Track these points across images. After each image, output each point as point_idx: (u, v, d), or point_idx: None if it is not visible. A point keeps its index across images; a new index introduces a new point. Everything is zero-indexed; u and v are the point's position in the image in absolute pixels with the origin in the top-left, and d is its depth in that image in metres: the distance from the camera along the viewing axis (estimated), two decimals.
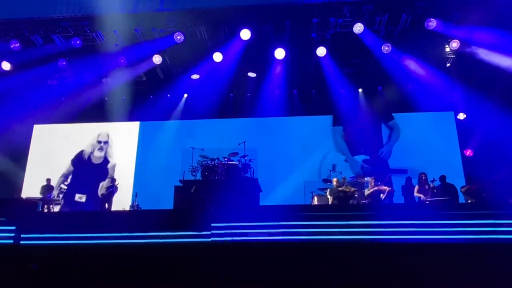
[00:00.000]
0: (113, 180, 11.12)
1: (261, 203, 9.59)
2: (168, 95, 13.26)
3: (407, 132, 12.59)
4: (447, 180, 9.13)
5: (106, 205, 10.27)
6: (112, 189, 10.50)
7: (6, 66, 11.62)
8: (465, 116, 12.24)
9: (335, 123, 12.92)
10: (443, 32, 10.32)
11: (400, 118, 12.82)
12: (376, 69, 12.06)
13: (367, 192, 9.68)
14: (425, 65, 11.67)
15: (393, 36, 10.85)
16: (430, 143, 12.22)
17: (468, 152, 12.06)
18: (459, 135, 12.23)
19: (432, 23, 10.04)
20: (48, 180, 11.11)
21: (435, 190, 8.98)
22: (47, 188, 10.87)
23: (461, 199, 9.29)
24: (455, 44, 10.67)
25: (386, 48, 10.82)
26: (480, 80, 11.29)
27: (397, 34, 10.80)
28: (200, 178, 9.76)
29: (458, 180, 9.89)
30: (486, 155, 11.23)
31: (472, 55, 10.68)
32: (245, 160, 10.01)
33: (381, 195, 9.56)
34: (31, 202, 9.97)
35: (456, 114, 12.43)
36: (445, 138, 12.26)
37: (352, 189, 9.54)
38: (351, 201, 9.30)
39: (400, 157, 12.16)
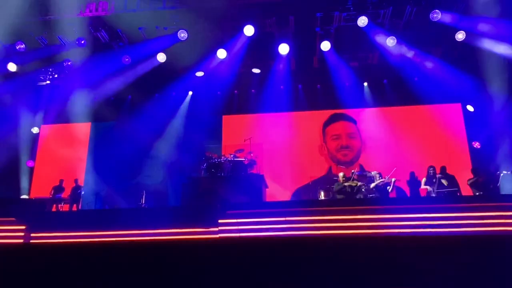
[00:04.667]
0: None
1: (267, 199, 9.62)
2: (173, 93, 13.30)
3: (414, 125, 12.52)
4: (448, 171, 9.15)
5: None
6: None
7: (12, 67, 11.70)
8: (473, 108, 12.13)
9: None
10: (448, 23, 10.21)
11: (407, 111, 12.75)
12: (382, 62, 12.02)
13: (372, 185, 9.66)
14: (431, 57, 11.63)
15: (398, 28, 10.76)
16: (437, 136, 12.19)
17: (476, 144, 11.96)
18: (467, 127, 12.15)
19: (437, 15, 9.93)
20: (61, 181, 11.19)
21: (442, 181, 8.95)
22: (58, 189, 10.97)
23: (466, 191, 9.22)
24: (461, 35, 10.54)
25: (391, 41, 10.74)
26: (487, 71, 11.16)
27: (402, 27, 10.71)
28: (207, 175, 9.80)
29: (465, 173, 9.82)
30: (494, 147, 11.13)
31: (479, 46, 10.57)
32: (251, 156, 10.03)
33: (388, 187, 9.54)
34: (41, 201, 10.10)
35: (463, 106, 12.34)
36: (453, 130, 12.19)
37: (359, 183, 9.52)
38: (358, 196, 9.28)
39: (407, 150, 12.10)
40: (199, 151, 11.24)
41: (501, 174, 8.68)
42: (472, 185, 8.86)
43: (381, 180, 9.56)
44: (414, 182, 9.72)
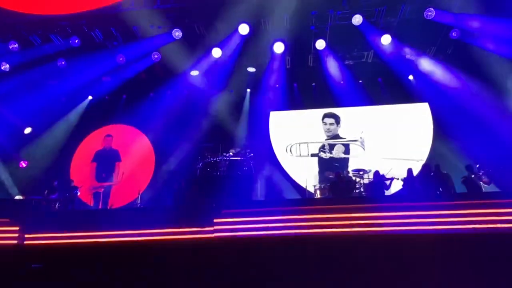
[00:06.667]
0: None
1: (263, 198, 9.61)
2: (168, 92, 13.26)
3: (408, 123, 12.53)
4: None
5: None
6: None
7: (5, 67, 11.60)
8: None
9: None
10: (442, 22, 10.24)
11: (400, 109, 12.77)
12: (376, 61, 12.03)
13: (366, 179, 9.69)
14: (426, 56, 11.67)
15: (392, 27, 10.78)
16: (431, 134, 12.23)
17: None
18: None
19: (432, 13, 9.98)
20: (55, 181, 11.11)
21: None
22: (52, 189, 10.89)
23: (460, 188, 9.25)
24: (455, 33, 10.59)
25: (386, 40, 10.76)
26: (481, 69, 11.19)
27: (396, 25, 10.73)
28: (203, 174, 9.78)
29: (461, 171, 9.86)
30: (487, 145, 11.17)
31: (473, 44, 10.60)
32: (247, 155, 10.02)
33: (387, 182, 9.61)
34: (35, 202, 10.00)
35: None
36: (448, 128, 12.21)
37: (355, 179, 9.55)
38: (353, 193, 9.30)
39: (403, 147, 12.12)
40: (195, 150, 11.19)
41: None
42: (466, 183, 8.88)
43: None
44: (410, 180, 9.73)
